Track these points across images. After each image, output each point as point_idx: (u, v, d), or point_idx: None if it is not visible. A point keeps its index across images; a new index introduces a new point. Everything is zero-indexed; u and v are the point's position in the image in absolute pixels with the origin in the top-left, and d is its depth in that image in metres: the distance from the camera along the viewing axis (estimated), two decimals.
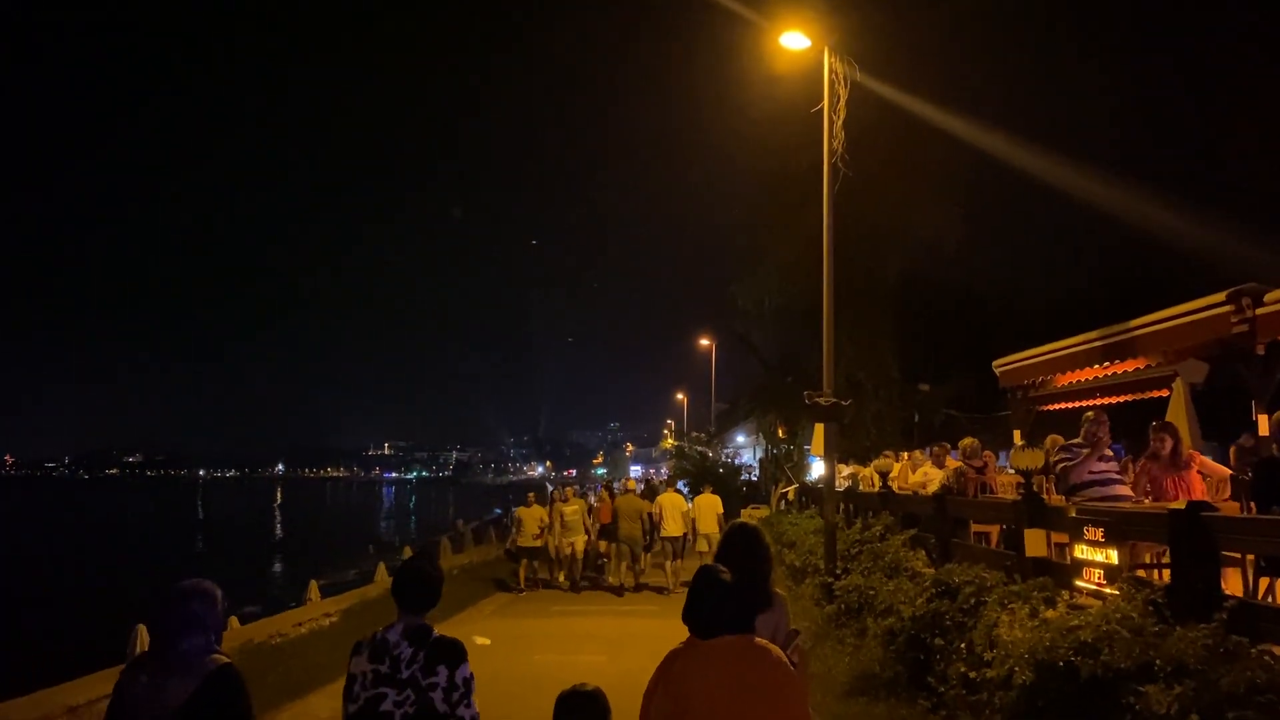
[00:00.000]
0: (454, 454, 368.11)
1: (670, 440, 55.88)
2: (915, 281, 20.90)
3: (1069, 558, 6.55)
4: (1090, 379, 12.59)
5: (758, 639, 3.12)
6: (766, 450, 27.76)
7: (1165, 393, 13.61)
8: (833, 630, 9.58)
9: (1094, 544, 6.04)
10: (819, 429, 17.50)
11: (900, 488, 11.78)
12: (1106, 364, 11.24)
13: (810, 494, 17.74)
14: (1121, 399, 14.41)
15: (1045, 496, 7.74)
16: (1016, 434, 14.44)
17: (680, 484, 26.20)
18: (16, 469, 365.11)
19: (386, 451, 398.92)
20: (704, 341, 41.70)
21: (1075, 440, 7.28)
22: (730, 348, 40.02)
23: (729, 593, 3.15)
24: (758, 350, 25.00)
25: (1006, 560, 7.38)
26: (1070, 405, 15.01)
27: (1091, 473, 6.82)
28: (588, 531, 15.26)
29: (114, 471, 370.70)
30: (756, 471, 33.71)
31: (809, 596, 11.56)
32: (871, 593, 9.23)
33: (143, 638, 9.50)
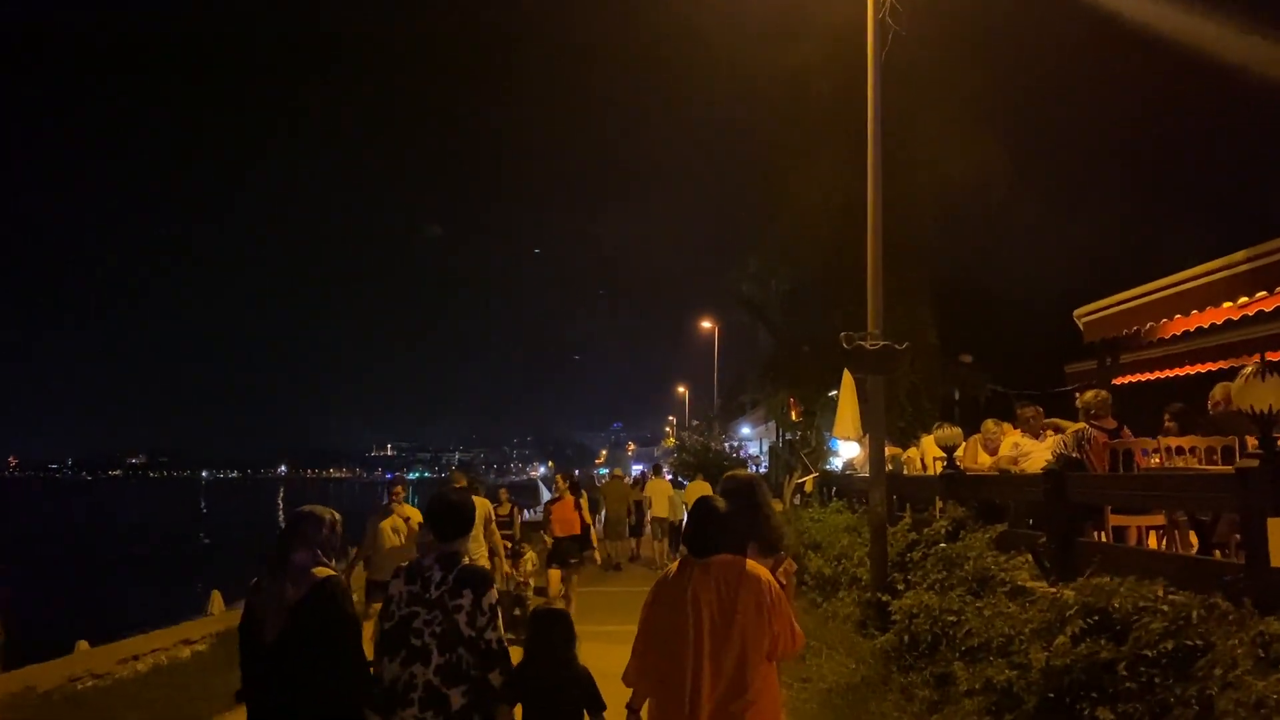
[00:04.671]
0: (456, 455, 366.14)
1: (672, 439, 52.86)
2: (957, 232, 17.82)
3: None
4: (1211, 325, 9.45)
5: (748, 561, 3.45)
6: (778, 435, 24.58)
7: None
8: (893, 674, 6.43)
9: None
10: (844, 405, 14.38)
11: (969, 469, 8.62)
12: (1256, 295, 8.09)
13: (835, 484, 14.61)
14: (1219, 365, 11.31)
15: None
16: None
17: (666, 472, 23.63)
18: (20, 470, 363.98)
19: (389, 452, 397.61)
20: (706, 324, 38.54)
21: None
22: (734, 335, 36.99)
23: (724, 520, 3.53)
24: (763, 314, 21.86)
25: (1224, 574, 4.24)
26: (1154, 376, 11.88)
27: None
28: (511, 556, 9.80)
29: (117, 473, 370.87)
30: (765, 462, 30.52)
31: (847, 617, 8.42)
32: (952, 619, 6.11)
33: None
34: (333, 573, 3.71)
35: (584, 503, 9.97)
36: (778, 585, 3.46)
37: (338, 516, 3.86)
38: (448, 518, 3.93)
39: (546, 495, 35.88)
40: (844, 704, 6.36)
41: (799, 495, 16.23)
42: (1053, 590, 5.63)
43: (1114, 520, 6.00)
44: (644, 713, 3.54)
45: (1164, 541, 6.23)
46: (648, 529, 18.36)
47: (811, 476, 16.11)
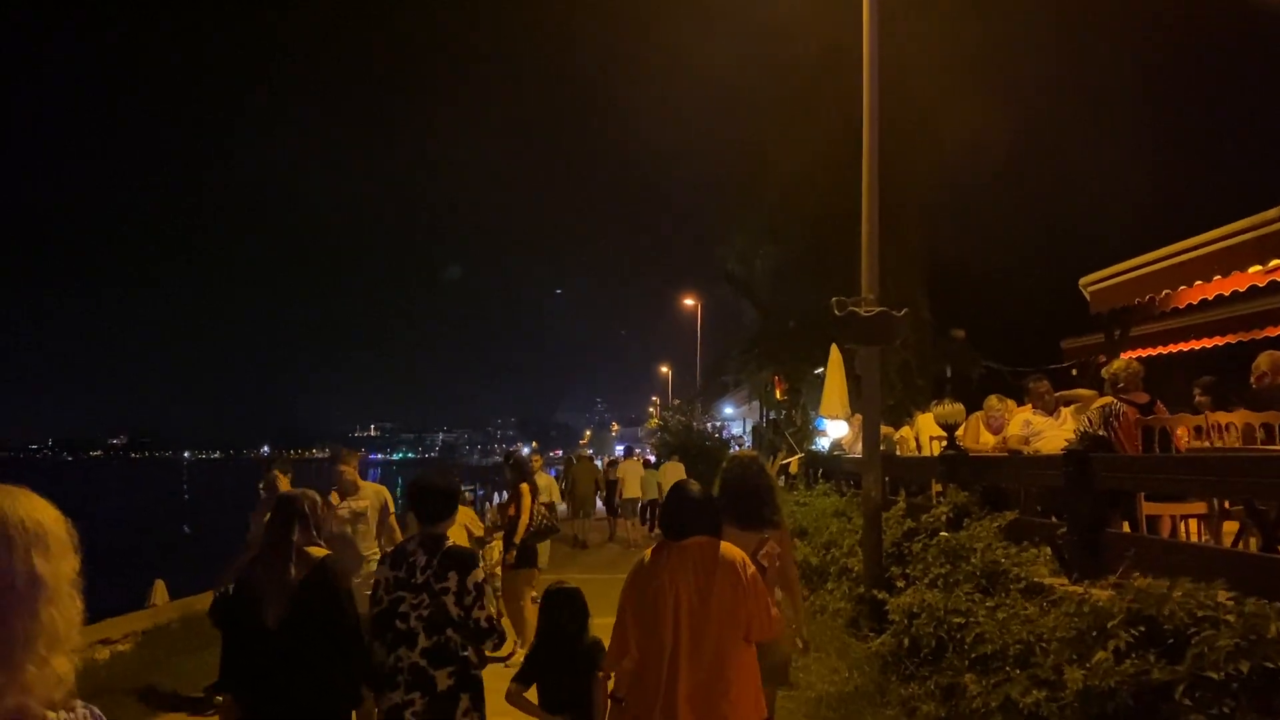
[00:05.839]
0: (440, 435, 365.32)
1: (656, 420, 52.17)
2: (951, 201, 17.00)
3: None
4: (1234, 293, 8.66)
5: (723, 543, 3.46)
6: (761, 415, 23.83)
7: None
8: (891, 683, 5.65)
9: None
10: (832, 382, 13.59)
11: (971, 450, 7.83)
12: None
13: (822, 465, 13.83)
14: (1241, 338, 10.57)
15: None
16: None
17: (648, 453, 23.97)
18: None
19: (373, 433, 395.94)
20: (689, 301, 37.68)
21: None
22: (718, 314, 36.18)
23: (699, 504, 3.55)
24: (749, 291, 21.06)
25: None
26: (1168, 350, 11.11)
27: None
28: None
29: (98, 453, 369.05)
30: (748, 443, 29.79)
31: (836, 613, 7.65)
32: (959, 621, 5.33)
33: None
34: (328, 552, 3.80)
35: (524, 488, 8.27)
36: (753, 566, 3.50)
37: (320, 498, 4.04)
38: (430, 501, 3.97)
39: None
40: (836, 717, 5.58)
41: (783, 477, 15.45)
42: (1078, 589, 4.86)
43: (1148, 510, 5.22)
44: None
45: (1203, 533, 5.46)
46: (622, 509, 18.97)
47: (797, 457, 15.34)
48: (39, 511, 1.40)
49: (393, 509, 7.06)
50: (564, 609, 4.02)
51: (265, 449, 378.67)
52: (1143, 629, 3.82)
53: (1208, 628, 3.57)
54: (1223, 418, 5.12)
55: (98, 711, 1.42)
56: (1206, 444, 5.08)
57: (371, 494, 6.86)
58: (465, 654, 3.75)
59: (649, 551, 3.54)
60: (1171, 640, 3.71)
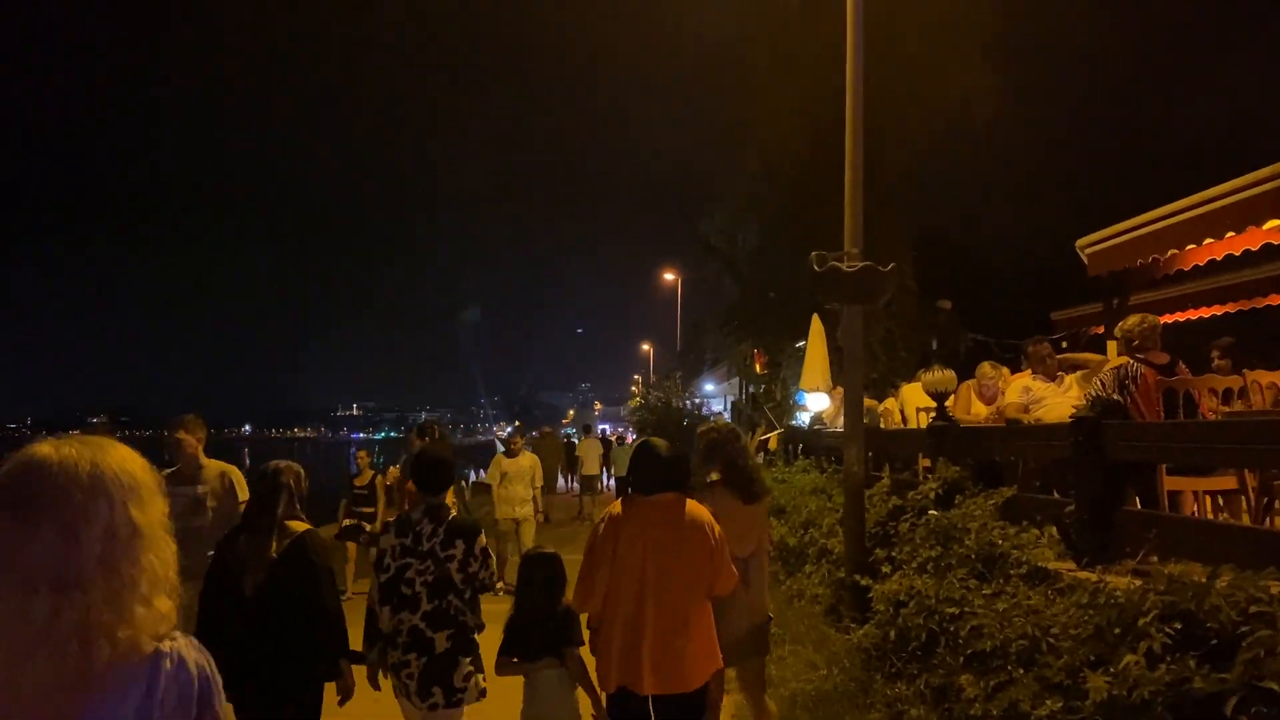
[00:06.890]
0: (423, 415, 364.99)
1: (638, 399, 51.62)
2: (937, 169, 16.33)
3: None
4: (1245, 253, 8.03)
5: (689, 501, 3.69)
6: (741, 390, 23.25)
7: None
8: (876, 682, 4.99)
9: None
10: (813, 354, 12.96)
11: (963, 421, 7.17)
12: None
13: (801, 440, 13.20)
14: (1237, 306, 9.99)
15: None
16: (1112, 346, 9.93)
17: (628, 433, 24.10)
18: None
19: (355, 412, 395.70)
20: (669, 276, 36.94)
21: None
22: (701, 294, 35.60)
23: (666, 462, 3.73)
24: (731, 265, 20.42)
25: None
26: (1173, 318, 10.49)
27: None
28: (367, 541, 7.73)
29: (77, 432, 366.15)
30: (728, 419, 29.21)
31: (815, 599, 6.99)
32: (952, 611, 4.67)
33: None
34: (309, 526, 3.85)
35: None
36: (720, 528, 3.69)
37: (302, 470, 4.02)
38: (432, 472, 4.15)
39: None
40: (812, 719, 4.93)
41: (762, 453, 14.83)
42: (1090, 576, 4.21)
43: (1170, 485, 4.57)
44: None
45: (1220, 511, 4.82)
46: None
47: (776, 433, 14.71)
48: (129, 462, 1.46)
49: (245, 494, 5.13)
50: (542, 573, 4.11)
51: (247, 428, 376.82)
52: (1179, 626, 3.17)
53: (1261, 627, 2.92)
54: (1263, 376, 4.48)
55: (194, 640, 1.47)
56: (1242, 406, 4.44)
57: (215, 476, 5.34)
58: (463, 619, 3.93)
59: (619, 503, 3.73)
60: (1215, 641, 3.06)
